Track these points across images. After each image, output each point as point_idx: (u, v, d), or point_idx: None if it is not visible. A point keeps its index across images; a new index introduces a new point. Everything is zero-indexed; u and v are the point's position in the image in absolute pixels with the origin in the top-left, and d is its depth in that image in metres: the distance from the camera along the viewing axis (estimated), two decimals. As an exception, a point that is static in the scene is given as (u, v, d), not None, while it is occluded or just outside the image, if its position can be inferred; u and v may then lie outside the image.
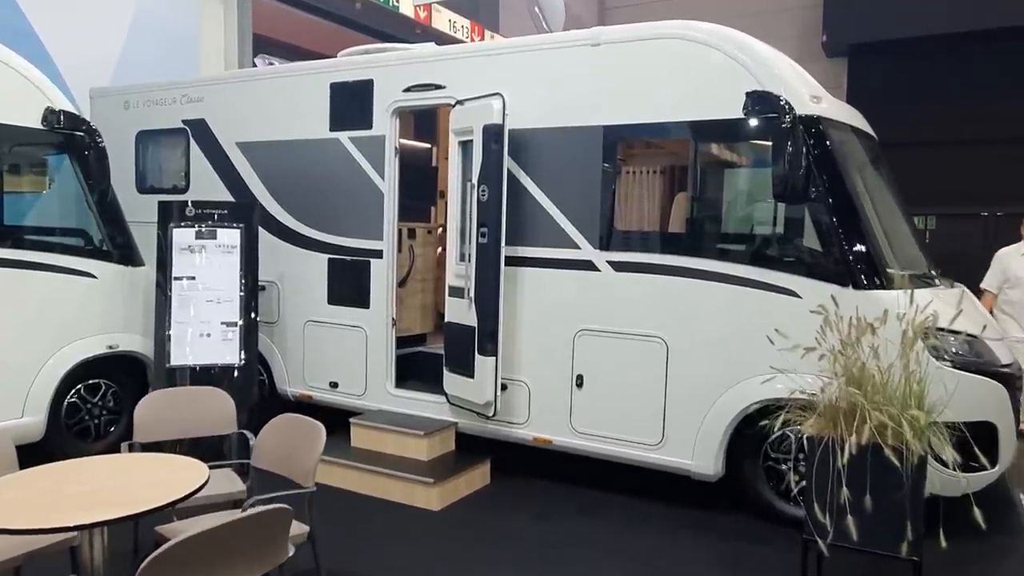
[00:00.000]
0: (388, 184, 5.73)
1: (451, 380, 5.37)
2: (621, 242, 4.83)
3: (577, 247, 4.96)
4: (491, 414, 5.09)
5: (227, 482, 3.78)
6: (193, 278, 5.54)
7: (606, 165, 4.84)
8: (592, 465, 5.20)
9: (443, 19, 11.85)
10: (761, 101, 4.25)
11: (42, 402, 5.26)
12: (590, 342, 4.94)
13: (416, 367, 6.25)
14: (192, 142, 6.81)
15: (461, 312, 5.21)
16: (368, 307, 5.88)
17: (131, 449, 3.81)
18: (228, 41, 9.91)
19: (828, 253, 4.23)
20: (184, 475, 2.97)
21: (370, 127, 5.79)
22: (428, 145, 6.69)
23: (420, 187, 6.41)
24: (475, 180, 5.05)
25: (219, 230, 5.61)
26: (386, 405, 5.83)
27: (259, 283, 6.41)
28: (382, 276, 5.79)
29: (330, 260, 6.06)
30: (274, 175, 6.33)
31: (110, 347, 5.68)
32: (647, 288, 4.74)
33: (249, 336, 5.58)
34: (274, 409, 6.82)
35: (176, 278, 5.52)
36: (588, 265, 4.94)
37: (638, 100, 4.73)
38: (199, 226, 5.59)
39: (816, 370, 3.63)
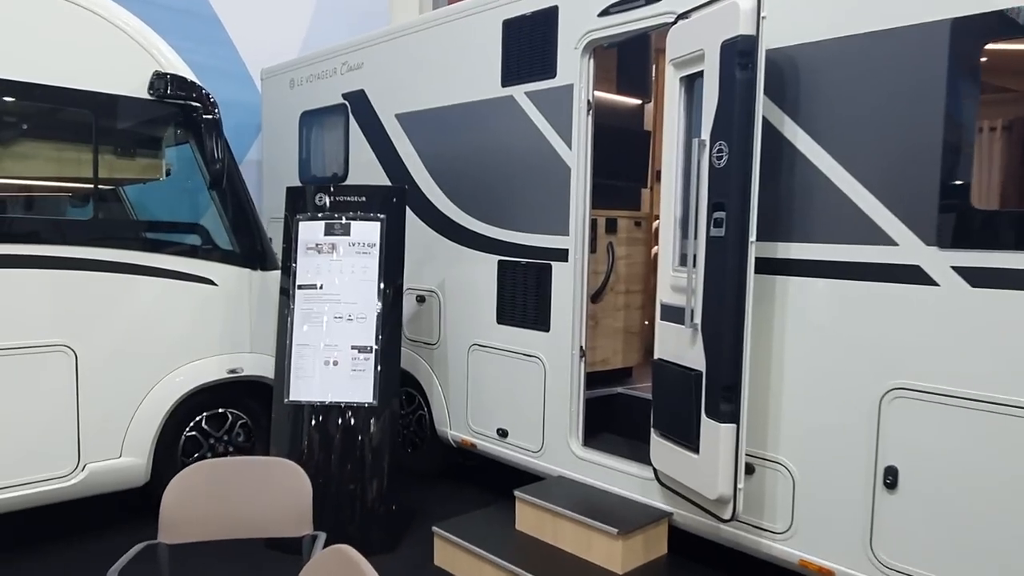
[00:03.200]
0: (577, 155, 3.98)
1: (662, 450, 3.47)
2: (986, 233, 2.61)
3: (890, 242, 2.82)
4: (727, 516, 3.11)
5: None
6: (320, 287, 4.20)
7: (957, 91, 2.65)
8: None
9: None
10: None
11: (145, 439, 4.23)
12: (915, 411, 2.77)
13: (614, 417, 4.44)
14: (351, 119, 5.61)
15: (680, 346, 3.30)
16: (547, 329, 4.17)
17: (154, 552, 2.44)
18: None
19: None
20: None
21: (553, 75, 4.07)
22: (638, 101, 4.82)
23: (625, 160, 4.58)
24: (706, 135, 3.11)
25: (354, 224, 4.23)
26: (569, 471, 4.08)
27: (417, 293, 4.99)
28: (567, 286, 4.05)
29: (500, 263, 4.45)
30: (435, 152, 4.87)
31: (232, 371, 4.55)
32: (1042, 319, 2.48)
33: (388, 367, 4.12)
34: (434, 457, 5.43)
35: (300, 287, 4.23)
36: (913, 274, 2.78)
37: (1026, -36, 2.49)
38: (330, 218, 4.25)
39: None
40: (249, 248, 4.60)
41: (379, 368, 4.10)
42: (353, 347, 4.13)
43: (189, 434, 4.54)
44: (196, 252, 4.41)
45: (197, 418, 4.57)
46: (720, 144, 3.02)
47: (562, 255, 4.08)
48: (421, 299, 5.02)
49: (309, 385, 4.11)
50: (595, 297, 4.33)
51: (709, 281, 3.09)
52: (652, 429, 3.53)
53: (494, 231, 4.48)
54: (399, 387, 4.22)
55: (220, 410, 4.66)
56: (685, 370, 3.23)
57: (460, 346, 4.75)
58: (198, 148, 4.39)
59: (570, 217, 4.02)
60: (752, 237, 2.98)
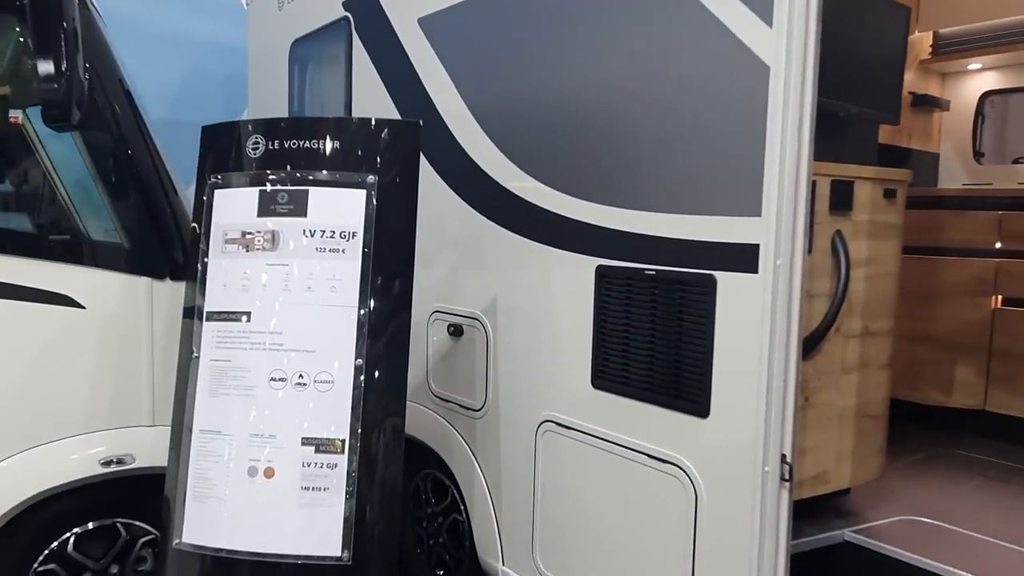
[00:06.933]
0: (788, 37, 1.78)
1: None
2: None
3: None
4: None
5: None
6: (246, 317, 2.13)
7: None
8: None
9: None
10: None
11: (-73, 598, 2.26)
12: None
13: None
14: (355, 41, 3.55)
15: None
16: (704, 413, 1.99)
17: None
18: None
19: None
20: None
21: None
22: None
23: (864, 65, 2.26)
24: None
25: (313, 193, 2.13)
26: None
27: (451, 321, 2.91)
28: (752, 324, 1.86)
29: (601, 273, 2.28)
30: (481, 76, 2.75)
31: (110, 462, 2.53)
32: None
33: (379, 483, 2.02)
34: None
35: (210, 315, 2.17)
36: None
37: None
38: (272, 181, 2.17)
39: None
40: (149, 242, 2.56)
41: (356, 488, 2.00)
42: (306, 441, 2.03)
43: (44, 568, 2.56)
44: (40, 249, 2.40)
45: (60, 539, 2.58)
46: None
47: (745, 258, 1.89)
48: (456, 330, 2.90)
49: (217, 516, 2.03)
50: (812, 345, 2.12)
51: None
52: None
53: (588, 209, 2.31)
54: (399, 529, 2.10)
55: (110, 521, 2.67)
56: None
57: (523, 419, 2.62)
58: (30, 54, 2.36)
59: (765, 178, 1.84)
60: None
